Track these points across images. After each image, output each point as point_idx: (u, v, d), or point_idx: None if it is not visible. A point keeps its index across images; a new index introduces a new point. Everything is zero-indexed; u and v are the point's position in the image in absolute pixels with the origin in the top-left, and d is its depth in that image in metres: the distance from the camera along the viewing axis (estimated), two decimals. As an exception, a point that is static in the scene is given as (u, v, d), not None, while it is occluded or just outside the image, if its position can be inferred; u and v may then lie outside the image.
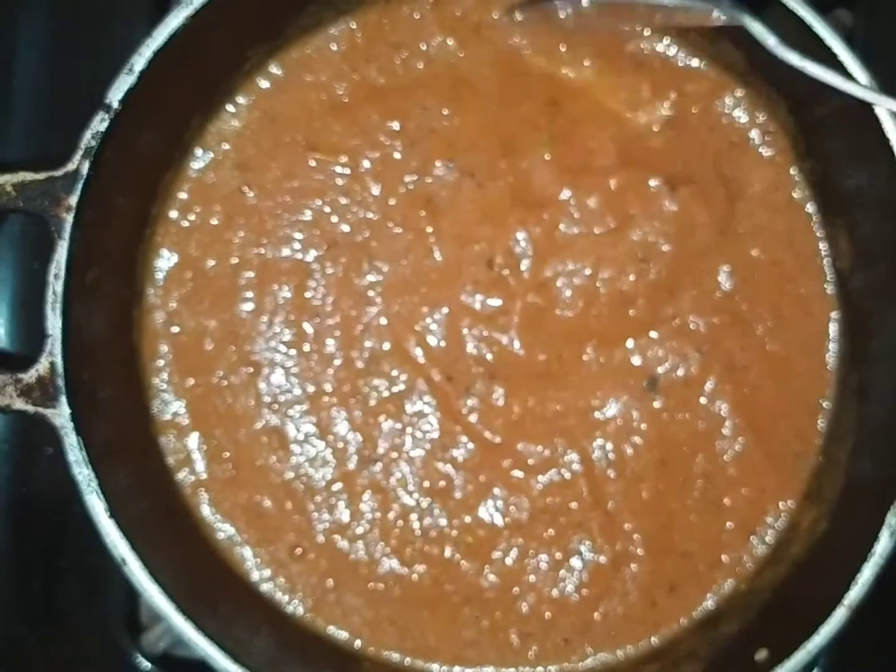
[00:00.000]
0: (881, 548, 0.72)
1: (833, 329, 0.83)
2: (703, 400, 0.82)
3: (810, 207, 0.84)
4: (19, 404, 0.71)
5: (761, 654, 0.74)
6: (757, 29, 0.72)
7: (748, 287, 0.83)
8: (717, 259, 0.83)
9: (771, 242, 0.84)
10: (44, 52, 0.90)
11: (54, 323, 0.71)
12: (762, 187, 0.84)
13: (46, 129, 0.89)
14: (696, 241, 0.83)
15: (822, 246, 0.84)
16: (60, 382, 0.71)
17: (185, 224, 0.83)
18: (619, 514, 0.81)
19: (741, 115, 0.84)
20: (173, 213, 0.83)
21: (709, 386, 0.82)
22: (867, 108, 0.73)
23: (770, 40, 0.72)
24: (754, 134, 0.84)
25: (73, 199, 0.71)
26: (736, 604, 0.81)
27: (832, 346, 0.83)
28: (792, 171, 0.84)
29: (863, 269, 0.81)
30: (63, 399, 0.71)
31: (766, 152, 0.84)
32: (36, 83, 0.89)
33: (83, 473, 0.71)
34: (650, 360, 0.82)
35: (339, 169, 0.83)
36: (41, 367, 0.71)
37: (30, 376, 0.71)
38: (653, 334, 0.82)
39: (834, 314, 0.83)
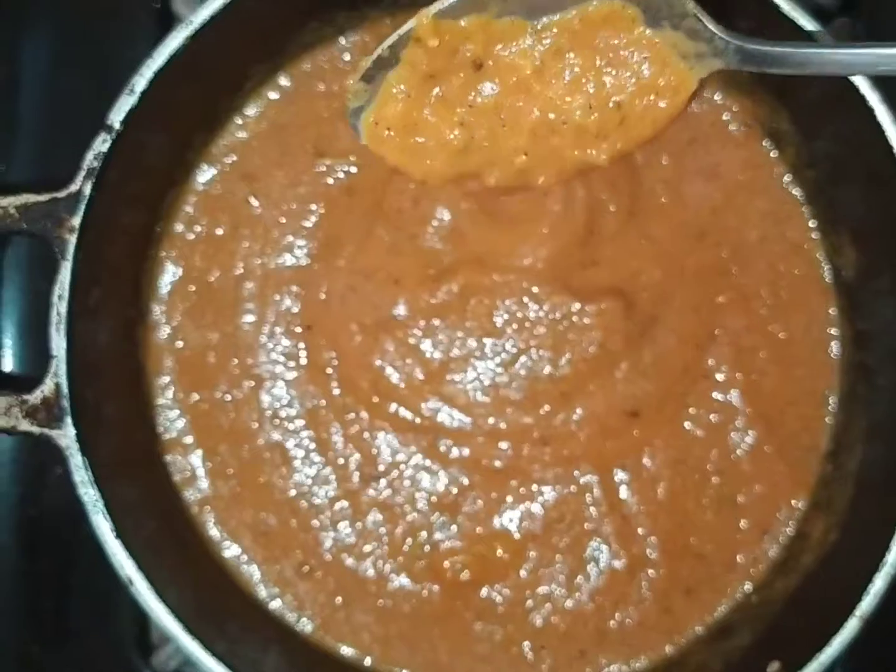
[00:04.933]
0: (893, 557, 0.71)
1: (832, 313, 0.83)
2: (716, 393, 0.81)
3: (796, 192, 0.84)
4: (24, 426, 0.71)
5: (773, 667, 0.74)
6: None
7: (743, 264, 0.82)
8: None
9: (755, 221, 0.83)
10: (47, 74, 0.90)
11: (59, 344, 0.71)
12: (737, 166, 0.83)
13: (50, 150, 0.89)
14: None
15: (812, 225, 0.83)
16: (65, 403, 0.71)
17: (191, 237, 0.83)
18: (634, 517, 0.81)
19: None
20: (178, 227, 0.83)
21: (720, 376, 0.81)
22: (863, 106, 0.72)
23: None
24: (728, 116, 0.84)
25: (76, 220, 0.71)
26: (748, 615, 0.80)
27: (833, 332, 0.82)
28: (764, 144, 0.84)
29: (855, 251, 0.81)
30: (68, 420, 0.71)
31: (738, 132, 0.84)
32: (39, 104, 0.90)
33: (89, 494, 0.71)
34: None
35: (346, 169, 0.83)
36: (46, 388, 0.71)
37: (35, 397, 0.71)
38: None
39: (831, 297, 0.83)
